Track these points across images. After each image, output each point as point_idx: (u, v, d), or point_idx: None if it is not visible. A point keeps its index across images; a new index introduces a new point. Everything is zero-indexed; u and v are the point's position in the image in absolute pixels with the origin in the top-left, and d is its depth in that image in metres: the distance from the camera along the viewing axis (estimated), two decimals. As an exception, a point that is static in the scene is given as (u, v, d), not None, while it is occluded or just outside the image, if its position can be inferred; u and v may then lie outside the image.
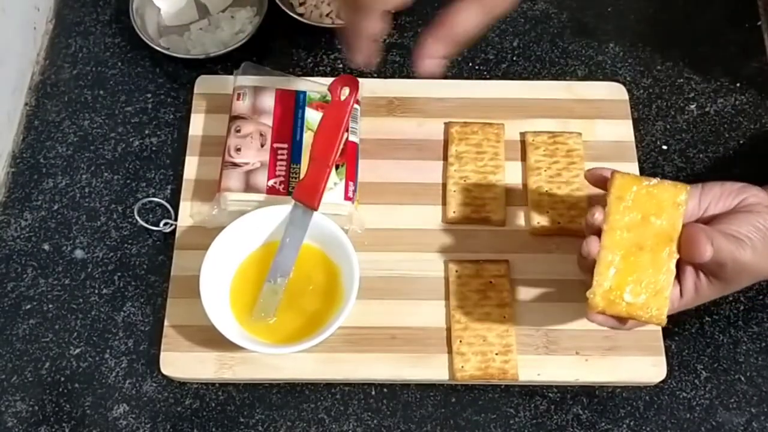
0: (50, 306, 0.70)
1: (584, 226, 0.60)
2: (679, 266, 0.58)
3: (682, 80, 0.82)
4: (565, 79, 0.81)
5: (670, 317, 0.70)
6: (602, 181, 0.61)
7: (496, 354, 0.66)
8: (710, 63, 0.83)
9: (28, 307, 0.70)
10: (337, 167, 0.72)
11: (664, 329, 0.68)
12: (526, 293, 0.70)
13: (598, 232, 0.58)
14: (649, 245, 0.57)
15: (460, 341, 0.66)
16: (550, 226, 0.72)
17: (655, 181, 0.58)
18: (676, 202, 0.58)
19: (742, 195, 0.61)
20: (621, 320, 0.59)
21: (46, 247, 0.73)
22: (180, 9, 0.83)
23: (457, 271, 0.69)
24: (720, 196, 0.61)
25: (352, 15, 0.58)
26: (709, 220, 0.60)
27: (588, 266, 0.58)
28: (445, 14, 0.56)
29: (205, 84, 0.79)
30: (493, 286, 0.69)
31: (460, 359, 0.66)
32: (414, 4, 0.85)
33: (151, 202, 0.74)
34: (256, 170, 0.71)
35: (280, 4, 0.82)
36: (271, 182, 0.71)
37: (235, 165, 0.71)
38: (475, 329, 0.67)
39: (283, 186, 0.71)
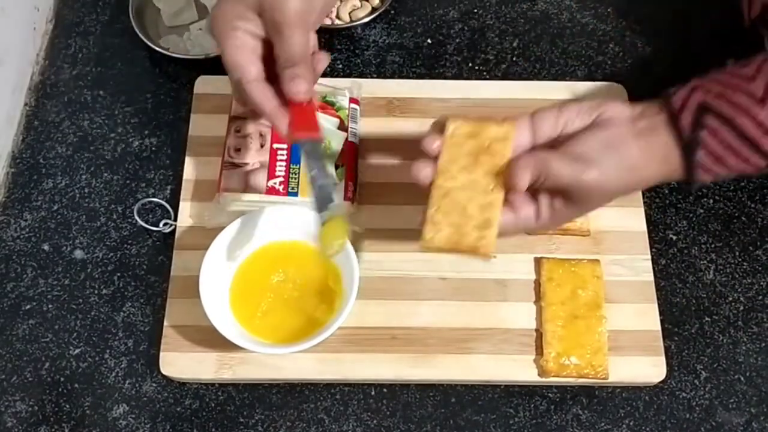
0: (50, 306, 0.70)
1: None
2: (537, 189, 0.58)
3: (682, 80, 0.82)
4: (565, 79, 0.81)
5: (669, 318, 0.70)
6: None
7: (473, 227, 0.57)
8: (710, 63, 0.82)
9: (28, 307, 0.70)
10: (337, 167, 0.72)
11: (663, 329, 0.68)
12: (523, 292, 0.70)
13: (434, 158, 0.58)
14: (581, 313, 0.67)
15: (437, 209, 0.58)
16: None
17: (576, 260, 0.69)
18: (596, 276, 0.69)
19: (599, 109, 0.58)
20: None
21: (45, 247, 0.73)
22: (180, 9, 0.83)
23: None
24: (577, 114, 0.59)
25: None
26: (566, 140, 0.58)
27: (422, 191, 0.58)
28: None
29: (204, 84, 0.79)
30: (489, 148, 0.59)
31: (432, 228, 0.58)
32: (413, 5, 0.86)
33: (150, 202, 0.74)
34: (255, 171, 0.71)
35: (280, 5, 0.82)
36: (270, 182, 0.71)
37: (235, 165, 0.71)
38: (455, 200, 0.58)
39: (283, 186, 0.71)
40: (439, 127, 0.61)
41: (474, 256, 0.58)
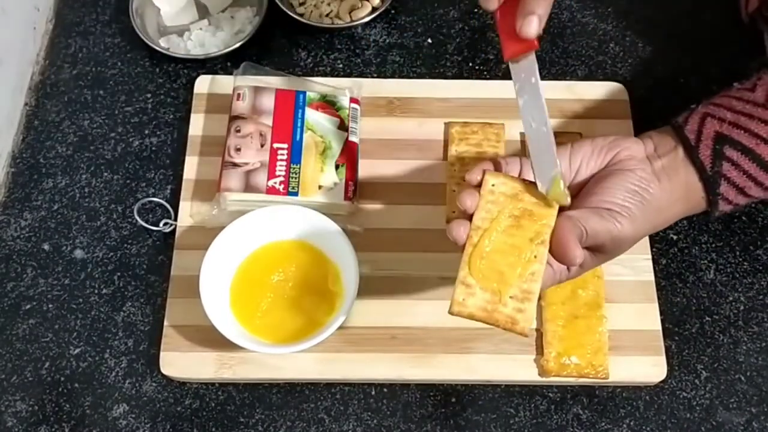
0: (50, 306, 0.70)
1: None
2: None
3: (682, 80, 0.82)
4: (565, 79, 0.81)
5: (669, 318, 0.70)
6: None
7: (510, 297, 0.53)
8: (710, 63, 0.83)
9: (28, 307, 0.70)
10: (337, 167, 0.72)
11: (664, 329, 0.68)
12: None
13: (468, 216, 0.55)
14: (582, 313, 0.67)
15: (470, 271, 0.53)
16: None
17: None
18: (596, 275, 0.68)
19: (613, 150, 0.58)
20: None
21: (46, 247, 0.73)
22: (180, 9, 0.83)
23: None
24: (591, 153, 0.58)
25: None
26: (583, 184, 0.57)
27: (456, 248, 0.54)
28: None
29: (205, 84, 0.79)
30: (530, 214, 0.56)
31: (464, 291, 0.53)
32: (414, 5, 0.86)
33: (150, 202, 0.74)
34: (256, 170, 0.71)
35: (280, 4, 0.82)
36: (271, 182, 0.71)
37: (235, 165, 0.71)
38: (493, 264, 0.54)
39: (283, 186, 0.71)
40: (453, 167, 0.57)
41: (509, 329, 0.53)
